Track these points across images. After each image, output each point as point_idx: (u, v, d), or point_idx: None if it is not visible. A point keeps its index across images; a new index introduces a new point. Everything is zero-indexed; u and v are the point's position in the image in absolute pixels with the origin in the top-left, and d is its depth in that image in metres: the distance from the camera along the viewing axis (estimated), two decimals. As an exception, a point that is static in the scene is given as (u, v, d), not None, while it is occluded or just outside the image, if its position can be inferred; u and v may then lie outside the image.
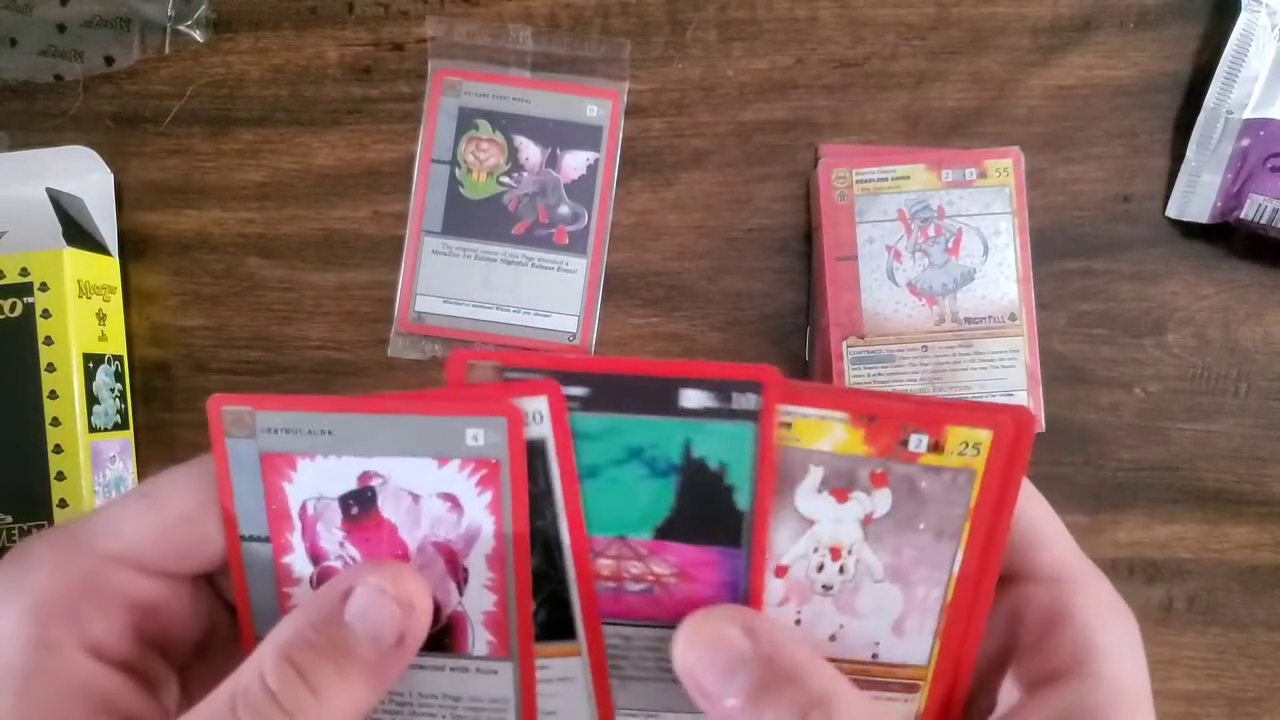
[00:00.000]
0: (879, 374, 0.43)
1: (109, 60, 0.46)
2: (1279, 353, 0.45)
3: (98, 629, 0.22)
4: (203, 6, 0.45)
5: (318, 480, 0.23)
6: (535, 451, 0.22)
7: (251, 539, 0.23)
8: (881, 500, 0.22)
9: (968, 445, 0.21)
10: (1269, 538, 0.45)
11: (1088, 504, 0.45)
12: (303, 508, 0.23)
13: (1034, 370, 0.43)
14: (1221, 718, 0.45)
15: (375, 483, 0.23)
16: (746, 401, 0.21)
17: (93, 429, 0.43)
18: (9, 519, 0.42)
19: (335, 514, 0.23)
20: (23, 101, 0.46)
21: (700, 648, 0.21)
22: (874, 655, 0.23)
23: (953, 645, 0.23)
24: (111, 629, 0.22)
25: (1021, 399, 0.43)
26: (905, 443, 0.21)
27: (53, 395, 0.42)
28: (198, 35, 0.46)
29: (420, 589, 0.22)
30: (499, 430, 0.22)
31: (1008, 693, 0.23)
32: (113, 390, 0.44)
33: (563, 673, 0.24)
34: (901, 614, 0.23)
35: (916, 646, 0.23)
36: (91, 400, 0.43)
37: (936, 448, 0.21)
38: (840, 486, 0.22)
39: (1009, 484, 0.22)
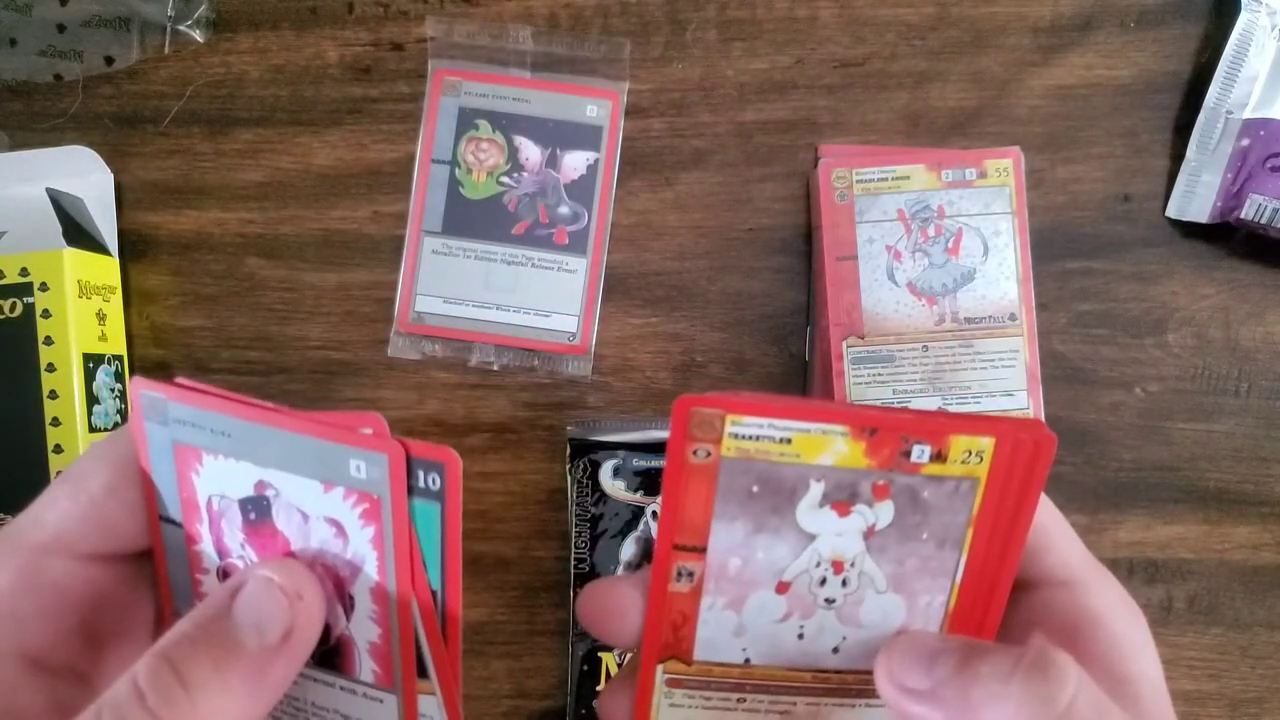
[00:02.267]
0: (879, 374, 0.43)
1: (109, 60, 0.46)
2: (1279, 352, 0.45)
3: (35, 632, 0.21)
4: (202, 6, 0.45)
5: (220, 479, 0.23)
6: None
7: (168, 521, 0.23)
8: (884, 512, 0.22)
9: (970, 453, 0.21)
10: (1270, 538, 0.45)
11: (1088, 504, 0.45)
12: (209, 501, 0.23)
13: (1034, 370, 0.43)
14: (1222, 718, 0.45)
15: (269, 493, 0.22)
16: (431, 482, 0.21)
17: (93, 429, 0.43)
18: (9, 519, 0.42)
19: (236, 515, 0.23)
20: (22, 101, 0.46)
21: (901, 650, 0.21)
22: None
23: None
24: (49, 629, 0.22)
25: (1021, 399, 0.43)
26: (908, 454, 0.21)
27: (53, 395, 0.42)
28: (197, 35, 0.46)
29: (310, 583, 0.21)
30: (380, 466, 0.21)
31: None
32: (113, 390, 0.44)
33: (424, 709, 0.23)
34: (904, 623, 0.23)
35: None
36: (91, 400, 0.43)
37: (939, 457, 0.21)
38: (842, 500, 0.22)
39: (1026, 498, 0.22)
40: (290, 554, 0.23)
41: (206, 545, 0.23)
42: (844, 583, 0.22)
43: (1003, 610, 0.23)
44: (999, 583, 0.22)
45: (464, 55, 0.45)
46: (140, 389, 0.22)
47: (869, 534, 0.22)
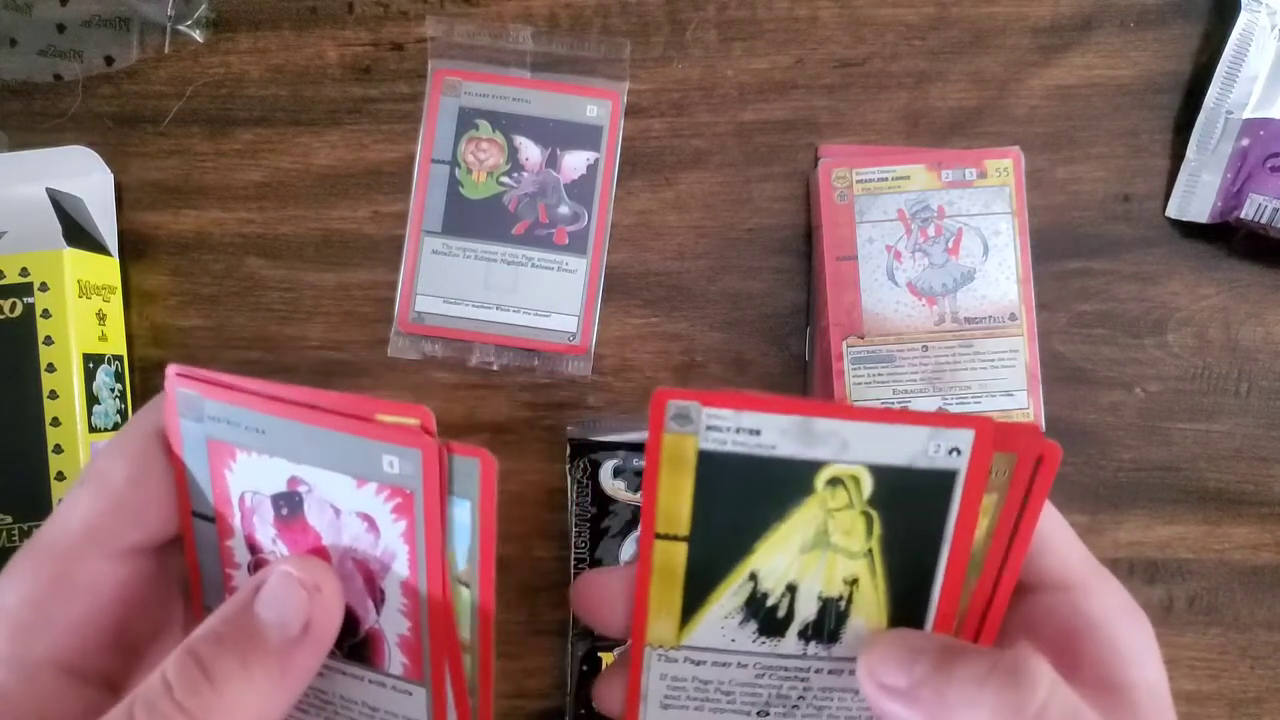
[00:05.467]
0: (879, 374, 0.43)
1: (108, 60, 0.46)
2: (1279, 352, 0.45)
3: (70, 639, 0.22)
4: (202, 6, 0.45)
5: (253, 475, 0.23)
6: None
7: (201, 517, 0.23)
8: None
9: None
10: (1270, 538, 0.45)
11: (1088, 504, 0.45)
12: (241, 498, 0.23)
13: (1034, 370, 0.43)
14: (1222, 718, 0.45)
15: (302, 489, 0.23)
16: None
17: (93, 429, 0.43)
18: (9, 519, 0.42)
19: (268, 510, 0.23)
20: (22, 101, 0.46)
21: (882, 648, 0.22)
22: None
23: None
24: (83, 636, 0.22)
25: (1021, 399, 0.43)
26: None
27: (53, 395, 0.42)
28: (197, 35, 0.46)
29: (328, 577, 0.22)
30: (414, 461, 0.21)
31: None
32: (113, 390, 0.44)
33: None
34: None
35: None
36: (91, 400, 0.43)
37: None
38: None
39: (1028, 509, 0.22)
40: (321, 549, 0.23)
41: (238, 541, 0.24)
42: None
43: (1003, 610, 0.23)
44: (1000, 591, 0.22)
45: (464, 55, 0.45)
46: (177, 386, 0.23)
47: None
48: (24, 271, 0.42)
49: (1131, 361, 0.45)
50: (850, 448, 0.21)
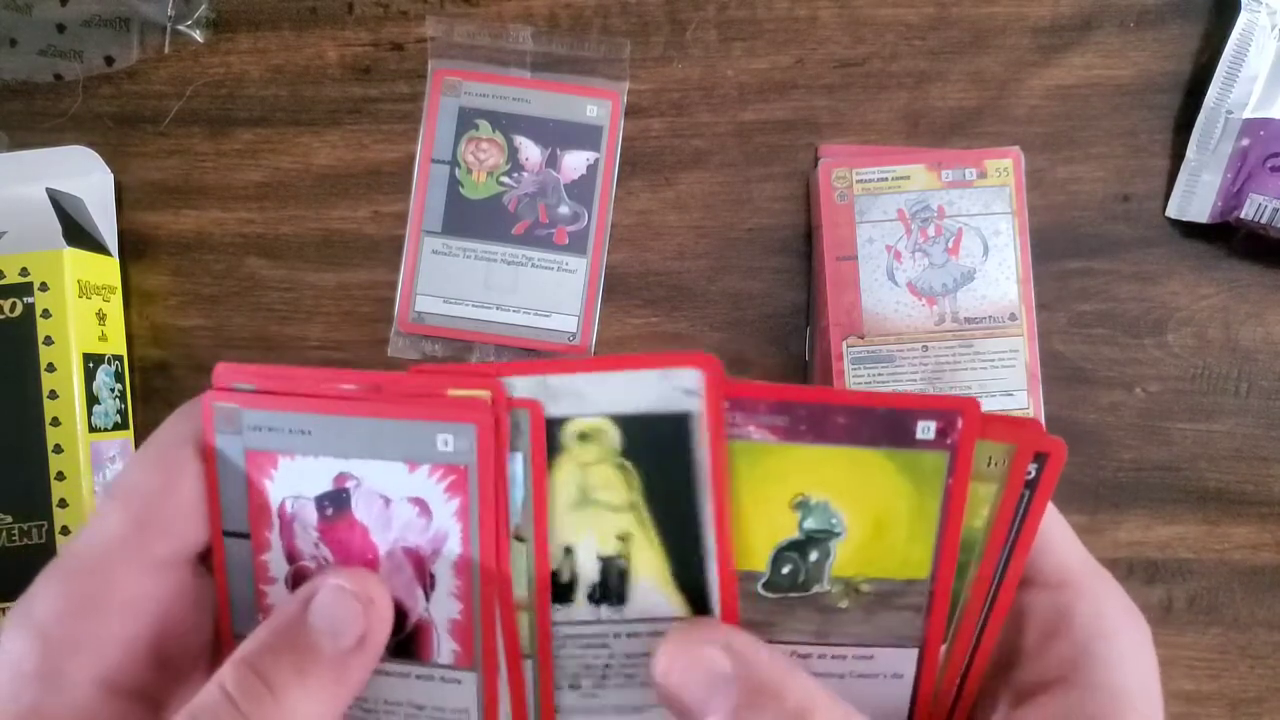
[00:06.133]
0: (879, 374, 0.43)
1: (109, 60, 0.46)
2: (1279, 352, 0.45)
3: (105, 654, 0.22)
4: (202, 6, 0.45)
5: (297, 479, 0.23)
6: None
7: (232, 535, 0.23)
8: None
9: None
10: (1270, 538, 0.45)
11: (1088, 504, 0.45)
12: (281, 506, 0.23)
13: (1034, 370, 0.43)
14: (1222, 718, 0.45)
15: (350, 484, 0.23)
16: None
17: (93, 429, 0.43)
18: (9, 519, 0.42)
19: (311, 514, 0.23)
20: (22, 101, 0.46)
21: (681, 666, 0.21)
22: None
23: (960, 656, 0.23)
24: (122, 651, 0.22)
25: (1021, 399, 0.43)
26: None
27: (53, 395, 0.42)
28: (197, 35, 0.46)
29: (380, 588, 0.22)
30: (468, 436, 0.21)
31: (1005, 702, 0.23)
32: (113, 390, 0.44)
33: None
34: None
35: None
36: (91, 400, 0.43)
37: None
38: None
39: (1034, 504, 0.22)
40: (370, 544, 0.23)
41: (275, 553, 0.23)
42: None
43: (1005, 612, 0.23)
44: (1004, 587, 0.22)
45: (464, 55, 0.45)
46: (214, 401, 0.23)
47: None
48: (24, 271, 0.42)
49: (1131, 361, 0.45)
50: (588, 400, 0.21)
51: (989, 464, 0.22)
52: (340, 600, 0.21)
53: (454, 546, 0.22)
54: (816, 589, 0.23)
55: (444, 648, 0.23)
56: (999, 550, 0.22)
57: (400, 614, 0.23)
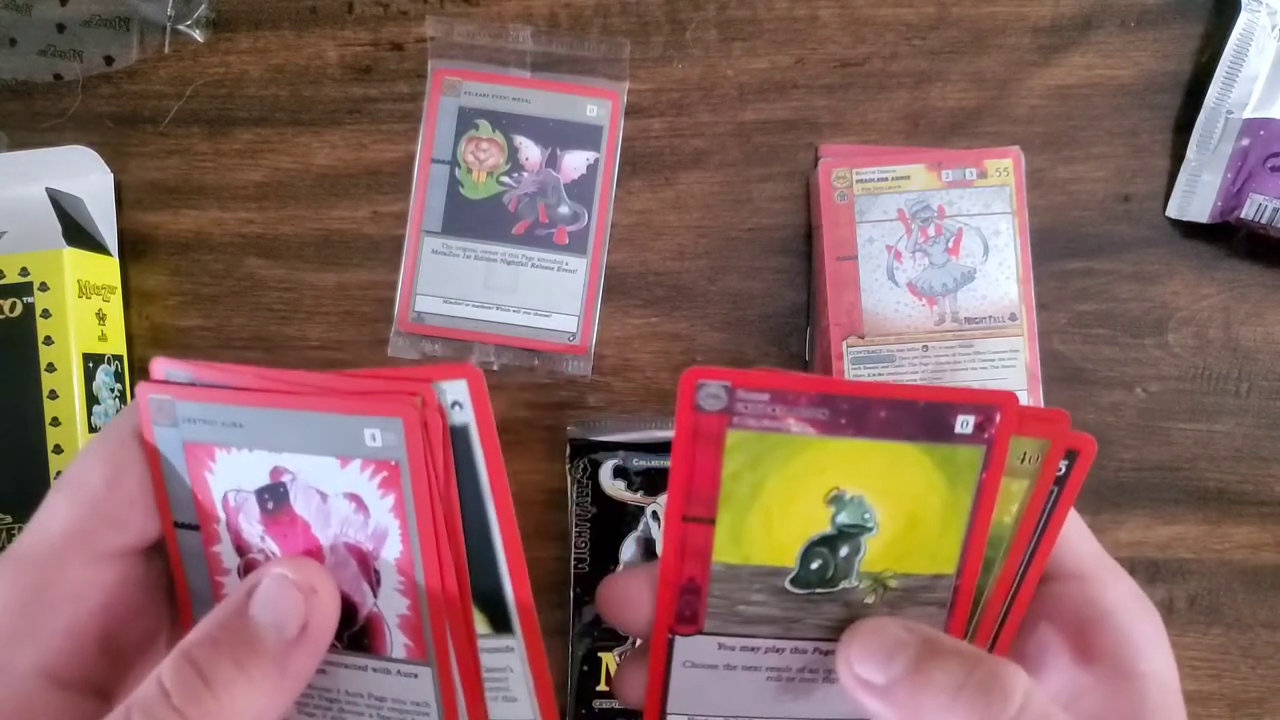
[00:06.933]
0: (879, 374, 0.43)
1: (108, 60, 0.46)
2: (1279, 352, 0.45)
3: (49, 646, 0.21)
4: (202, 6, 0.45)
5: (236, 473, 0.22)
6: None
7: (183, 526, 0.23)
8: None
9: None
10: (1270, 538, 0.44)
11: (1089, 504, 0.45)
12: (225, 499, 0.23)
13: (1034, 370, 0.43)
14: (1223, 718, 0.45)
15: (286, 479, 0.22)
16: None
17: (93, 429, 0.43)
18: (9, 519, 0.42)
19: (254, 507, 0.23)
20: (22, 101, 0.46)
21: (861, 640, 0.22)
22: None
23: (982, 644, 0.23)
24: (68, 643, 0.22)
25: (1021, 399, 0.43)
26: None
27: (53, 395, 0.42)
28: (197, 35, 0.46)
29: (324, 578, 0.22)
30: (396, 431, 0.21)
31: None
32: (113, 390, 0.44)
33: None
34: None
35: None
36: (91, 400, 0.43)
37: None
38: None
39: (1062, 500, 0.22)
40: (312, 539, 0.23)
41: (225, 545, 0.23)
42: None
43: (1029, 598, 0.23)
44: (1028, 577, 0.23)
45: (464, 55, 0.45)
46: (148, 393, 0.22)
47: None
48: (24, 271, 0.42)
49: (1132, 361, 0.45)
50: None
51: (1023, 459, 0.22)
52: (283, 590, 0.21)
53: (394, 544, 0.22)
54: (844, 584, 0.22)
55: (395, 642, 0.23)
56: (1025, 546, 0.22)
57: (351, 607, 0.23)
